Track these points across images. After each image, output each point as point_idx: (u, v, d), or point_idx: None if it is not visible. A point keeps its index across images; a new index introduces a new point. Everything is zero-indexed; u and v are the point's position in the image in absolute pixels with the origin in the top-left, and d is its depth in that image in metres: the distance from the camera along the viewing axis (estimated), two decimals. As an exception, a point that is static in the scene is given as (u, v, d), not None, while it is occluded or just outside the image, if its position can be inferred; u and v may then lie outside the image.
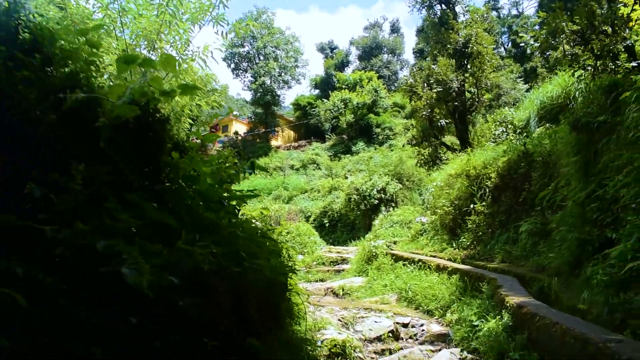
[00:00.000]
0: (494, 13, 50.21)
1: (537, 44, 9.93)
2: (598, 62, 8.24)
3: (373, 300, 7.68)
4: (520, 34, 11.39)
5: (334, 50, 62.24)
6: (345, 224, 22.83)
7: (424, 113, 15.20)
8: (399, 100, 45.00)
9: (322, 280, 11.59)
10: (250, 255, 2.79)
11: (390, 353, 4.91)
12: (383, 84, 45.38)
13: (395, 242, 12.59)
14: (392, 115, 42.47)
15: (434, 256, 8.94)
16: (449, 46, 15.56)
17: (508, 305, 4.29)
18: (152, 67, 2.58)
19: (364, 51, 58.91)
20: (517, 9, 64.24)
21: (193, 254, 2.09)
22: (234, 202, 3.20)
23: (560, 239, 5.35)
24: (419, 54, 49.81)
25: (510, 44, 51.92)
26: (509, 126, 13.15)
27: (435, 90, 14.69)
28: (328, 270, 12.30)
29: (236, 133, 49.30)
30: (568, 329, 3.10)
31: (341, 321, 5.76)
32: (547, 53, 11.14)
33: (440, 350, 4.81)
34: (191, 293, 2.05)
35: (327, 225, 23.33)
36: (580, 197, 4.86)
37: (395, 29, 64.02)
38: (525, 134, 11.48)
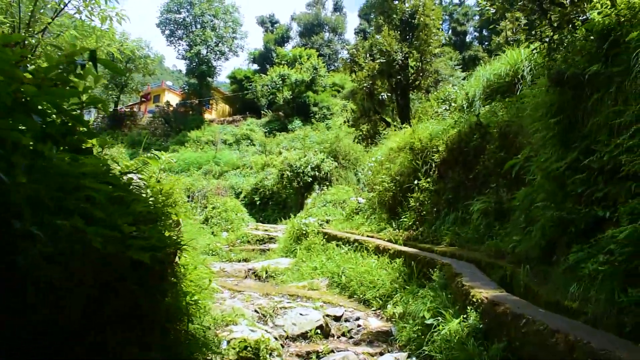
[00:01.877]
0: (436, 1, 50.38)
1: (492, 10, 9.06)
2: (555, 34, 7.53)
3: (300, 286, 6.58)
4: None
5: (275, 25, 60.25)
6: (277, 202, 21.75)
7: (365, 85, 14.18)
8: (338, 81, 44.28)
9: (245, 260, 10.41)
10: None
11: (318, 357, 3.78)
12: (323, 63, 44.14)
13: (328, 221, 11.59)
14: (332, 95, 41.48)
15: (372, 237, 7.93)
16: (394, 16, 14.58)
17: (475, 300, 3.27)
18: None
19: (306, 28, 57.36)
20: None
21: None
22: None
23: (526, 219, 4.44)
24: (362, 35, 49.03)
25: (450, 32, 52.37)
26: (452, 104, 12.44)
27: (378, 61, 13.68)
28: (253, 250, 11.12)
29: (167, 103, 46.62)
30: (579, 342, 2.09)
31: (258, 312, 4.56)
32: (498, 25, 10.37)
33: (381, 354, 3.74)
34: None
35: (258, 203, 22.16)
36: (558, 168, 3.92)
37: (338, 8, 62.95)
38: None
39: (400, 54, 13.92)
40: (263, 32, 59.77)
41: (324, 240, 8.44)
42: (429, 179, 7.61)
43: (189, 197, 24.84)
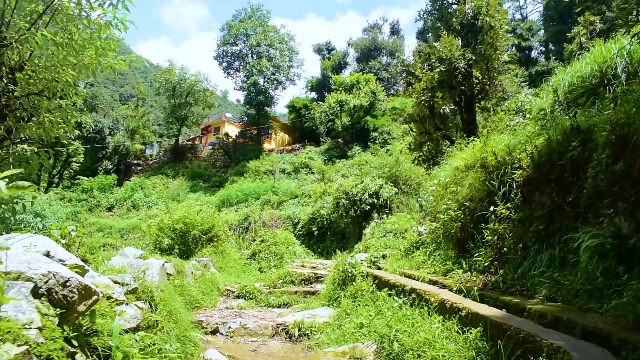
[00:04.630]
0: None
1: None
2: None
3: (339, 352, 4.89)
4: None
5: (331, 52, 59.79)
6: (335, 232, 20.24)
7: (423, 98, 12.42)
8: (398, 105, 42.77)
9: (285, 305, 8.85)
10: None
11: None
12: (382, 87, 42.73)
13: (384, 257, 9.85)
14: (392, 119, 39.87)
15: (435, 282, 6.09)
16: (454, 20, 12.85)
17: None
18: None
19: (362, 53, 56.43)
20: (520, 13, 62.11)
21: None
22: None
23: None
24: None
25: (513, 48, 49.60)
26: (527, 116, 10.49)
27: (437, 70, 11.94)
28: (296, 292, 9.51)
29: (227, 135, 46.77)
30: None
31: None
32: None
33: None
34: None
35: (315, 233, 20.72)
36: None
37: (395, 31, 61.69)
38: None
39: (463, 61, 12.13)
40: (320, 60, 59.48)
41: (374, 286, 6.69)
42: (509, 205, 5.73)
43: (246, 228, 23.87)
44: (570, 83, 9.76)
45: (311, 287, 10.00)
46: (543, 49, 54.19)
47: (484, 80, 12.43)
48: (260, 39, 43.98)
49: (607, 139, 4.62)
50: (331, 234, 20.38)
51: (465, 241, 6.60)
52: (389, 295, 6.00)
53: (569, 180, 5.08)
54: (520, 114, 11.80)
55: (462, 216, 6.71)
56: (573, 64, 11.52)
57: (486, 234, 5.94)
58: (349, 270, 7.29)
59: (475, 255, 6.10)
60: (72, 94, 7.06)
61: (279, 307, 8.83)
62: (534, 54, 54.26)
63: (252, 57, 44.74)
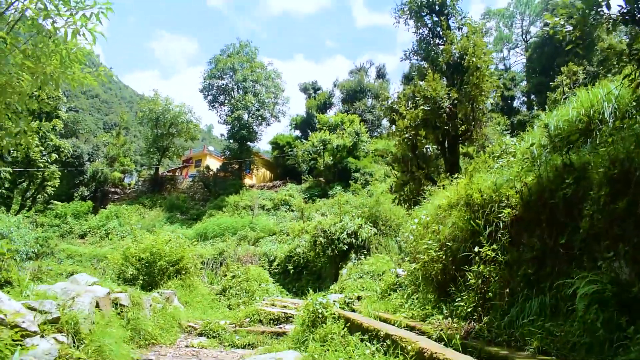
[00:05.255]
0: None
1: (569, 27, 7.01)
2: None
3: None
4: (545, 15, 8.49)
5: (317, 92, 60.24)
6: (311, 272, 19.59)
7: (407, 136, 12.11)
8: (381, 147, 42.87)
9: (250, 346, 8.13)
10: None
11: None
12: (366, 128, 42.85)
13: (359, 298, 9.28)
14: (374, 161, 39.84)
15: (413, 328, 5.52)
16: (440, 60, 12.74)
17: None
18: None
19: (348, 94, 56.92)
20: (504, 64, 63.80)
21: None
22: None
23: None
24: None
25: (497, 91, 50.54)
26: (511, 159, 10.18)
27: (421, 108, 11.69)
28: (263, 332, 8.81)
29: (207, 167, 46.15)
30: None
31: None
32: (583, 40, 8.26)
33: None
34: None
35: (291, 271, 20.05)
36: None
37: (381, 75, 62.58)
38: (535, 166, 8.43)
39: (448, 101, 11.93)
40: (305, 99, 59.82)
41: (346, 329, 6.08)
42: (494, 246, 5.27)
43: (221, 263, 22.95)
44: (556, 127, 9.52)
45: (280, 327, 9.30)
46: (525, 99, 55.45)
47: (469, 121, 12.21)
48: (247, 75, 44.05)
49: (604, 177, 4.24)
50: (307, 273, 19.71)
51: (446, 284, 6.09)
52: (362, 340, 5.40)
53: (562, 220, 4.66)
54: (505, 156, 11.54)
55: (444, 257, 6.21)
56: (559, 109, 11.35)
57: (470, 277, 5.45)
58: (320, 310, 6.67)
59: (457, 300, 5.57)
60: (30, 104, 6.42)
61: (244, 347, 8.12)
62: (516, 103, 55.46)
63: (237, 91, 44.70)
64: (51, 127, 34.52)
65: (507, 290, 4.91)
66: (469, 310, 5.27)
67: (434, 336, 4.92)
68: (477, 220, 5.75)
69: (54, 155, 34.96)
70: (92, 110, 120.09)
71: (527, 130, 12.61)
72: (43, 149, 34.17)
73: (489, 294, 5.08)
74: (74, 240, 33.35)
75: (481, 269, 5.27)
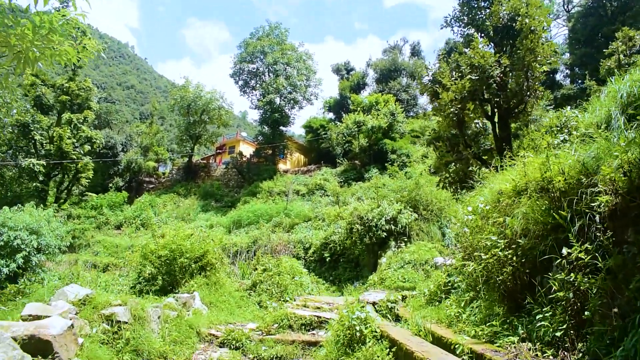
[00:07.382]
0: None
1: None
2: None
3: None
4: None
5: (350, 72, 58.50)
6: (348, 260, 18.48)
7: (452, 110, 10.67)
8: (417, 127, 41.15)
9: (278, 359, 7.03)
10: None
11: None
12: (401, 108, 41.09)
13: (404, 298, 8.06)
14: (411, 142, 38.24)
15: (481, 356, 4.25)
16: (487, 23, 11.19)
17: None
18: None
19: (382, 74, 54.97)
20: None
21: None
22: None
23: None
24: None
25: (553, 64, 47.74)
26: (573, 133, 8.66)
27: (467, 78, 10.23)
28: (293, 342, 7.66)
29: (241, 154, 45.44)
30: None
31: None
32: None
33: None
34: None
35: (327, 260, 18.97)
36: None
37: (415, 52, 60.25)
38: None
39: (498, 69, 10.41)
40: (338, 80, 58.23)
41: (391, 354, 4.86)
42: (588, 245, 3.94)
43: (254, 252, 22.01)
44: (630, 94, 7.91)
45: (313, 334, 8.17)
46: (568, 71, 52.23)
47: (523, 91, 10.65)
48: (278, 57, 42.81)
49: None
50: (344, 261, 18.58)
51: (518, 293, 4.77)
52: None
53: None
54: (566, 130, 10.00)
55: (514, 258, 4.87)
56: (632, 73, 9.62)
57: (553, 285, 4.14)
58: (358, 327, 5.45)
59: (536, 316, 4.27)
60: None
61: (269, 362, 7.02)
62: (558, 77, 52.32)
63: (268, 75, 43.59)
64: (82, 118, 34.37)
65: (614, 307, 3.58)
66: (554, 331, 3.97)
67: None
68: (560, 211, 4.40)
69: (87, 147, 34.87)
70: (128, 101, 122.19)
71: (588, 101, 10.92)
72: (75, 140, 34.07)
73: (585, 312, 3.77)
74: (109, 231, 33.22)
75: (571, 277, 3.94)
